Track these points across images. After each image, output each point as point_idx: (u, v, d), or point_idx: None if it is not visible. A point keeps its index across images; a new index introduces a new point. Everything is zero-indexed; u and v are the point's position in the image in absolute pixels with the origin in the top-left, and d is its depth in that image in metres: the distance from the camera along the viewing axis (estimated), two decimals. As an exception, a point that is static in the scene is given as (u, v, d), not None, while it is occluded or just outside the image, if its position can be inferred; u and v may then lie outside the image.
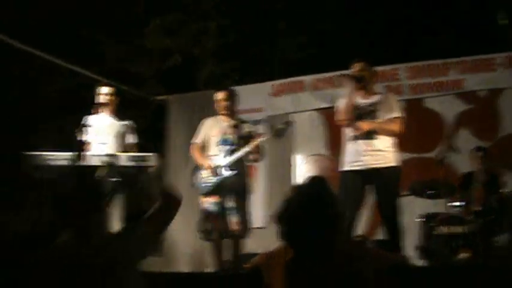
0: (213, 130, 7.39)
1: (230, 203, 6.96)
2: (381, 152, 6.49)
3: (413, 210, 8.43)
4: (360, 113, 6.61)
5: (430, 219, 7.75)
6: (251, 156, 7.31)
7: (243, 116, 7.96)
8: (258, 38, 14.41)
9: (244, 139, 7.11)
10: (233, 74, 14.01)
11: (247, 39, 14.33)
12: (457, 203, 8.01)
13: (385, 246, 6.37)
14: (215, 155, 7.21)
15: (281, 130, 7.08)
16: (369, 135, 6.50)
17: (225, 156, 7.10)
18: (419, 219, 7.95)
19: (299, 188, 3.57)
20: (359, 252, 3.36)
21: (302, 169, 9.87)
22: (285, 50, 14.71)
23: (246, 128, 7.27)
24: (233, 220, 6.84)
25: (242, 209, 6.93)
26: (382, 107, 6.64)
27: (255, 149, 7.07)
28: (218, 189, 7.07)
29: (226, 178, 7.05)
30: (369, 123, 6.53)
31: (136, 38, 13.91)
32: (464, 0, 12.44)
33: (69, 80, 12.21)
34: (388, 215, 6.51)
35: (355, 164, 6.53)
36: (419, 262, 7.58)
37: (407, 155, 8.75)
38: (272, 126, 7.25)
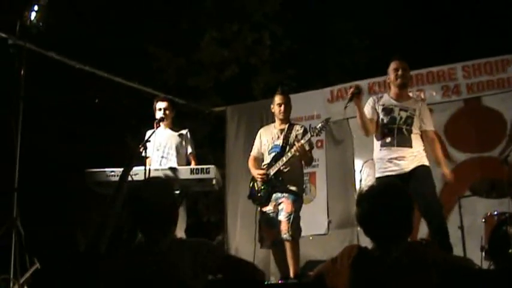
0: (265, 138, 7.42)
1: (280, 208, 6.96)
2: (414, 156, 6.45)
3: (476, 210, 8.36)
4: (394, 118, 6.54)
5: (494, 219, 7.65)
6: (302, 161, 7.28)
7: (303, 123, 7.93)
8: (313, 44, 14.42)
9: (291, 144, 7.09)
10: (290, 81, 14.04)
11: (303, 46, 14.37)
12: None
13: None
14: (268, 163, 7.23)
15: (320, 129, 7.01)
16: (404, 142, 6.46)
17: (273, 164, 7.12)
18: (483, 220, 7.86)
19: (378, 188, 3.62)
20: (424, 255, 3.37)
21: (362, 174, 9.83)
22: (341, 55, 14.70)
23: (294, 132, 7.26)
24: (283, 225, 6.84)
25: (292, 214, 6.90)
26: (419, 116, 6.60)
27: (298, 152, 6.98)
28: (270, 197, 7.09)
29: (276, 185, 7.06)
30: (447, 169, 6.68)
31: (192, 51, 14.06)
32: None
33: (130, 97, 12.41)
34: (435, 213, 6.38)
35: (389, 170, 6.47)
36: (485, 264, 7.50)
37: (468, 155, 8.69)
38: (313, 127, 7.13)
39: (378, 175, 6.60)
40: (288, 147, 7.08)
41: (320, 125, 6.99)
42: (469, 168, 8.65)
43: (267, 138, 7.38)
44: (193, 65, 14.11)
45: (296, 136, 7.13)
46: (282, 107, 7.35)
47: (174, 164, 7.29)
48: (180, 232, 7.00)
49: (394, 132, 6.47)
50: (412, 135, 6.50)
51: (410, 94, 7.08)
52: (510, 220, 7.32)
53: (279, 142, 7.23)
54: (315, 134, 7.00)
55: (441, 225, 6.34)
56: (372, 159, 8.61)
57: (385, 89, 9.62)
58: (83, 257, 4.34)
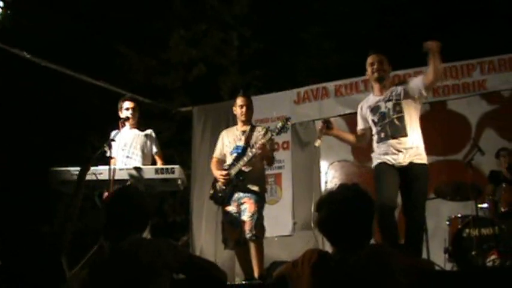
0: (227, 140, 7.40)
1: (243, 208, 6.94)
2: (411, 148, 6.10)
3: (440, 213, 8.45)
4: (382, 113, 6.26)
5: (458, 222, 7.71)
6: (264, 160, 7.27)
7: (269, 125, 7.92)
8: (280, 46, 14.44)
9: (253, 145, 7.07)
10: (257, 82, 14.05)
11: (270, 47, 14.37)
12: (486, 205, 7.98)
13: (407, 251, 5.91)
14: (229, 164, 7.21)
15: (280, 128, 7.00)
16: (398, 132, 6.14)
17: (235, 164, 7.10)
18: (447, 222, 7.92)
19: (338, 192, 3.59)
20: (391, 262, 3.37)
21: (328, 176, 9.86)
22: (308, 57, 14.73)
23: (256, 133, 7.24)
24: (247, 225, 6.82)
25: (255, 214, 6.89)
26: (406, 92, 6.23)
27: (260, 152, 6.98)
28: (231, 197, 7.07)
29: (238, 185, 7.04)
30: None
31: (161, 51, 14.02)
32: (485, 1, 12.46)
33: (95, 96, 12.33)
34: (414, 218, 6.09)
35: (386, 158, 6.16)
36: (449, 266, 7.55)
37: (433, 158, 8.70)
38: (273, 127, 7.10)
39: (374, 163, 6.33)
40: (249, 148, 7.06)
41: (280, 124, 6.97)
42: (434, 171, 8.64)
43: (229, 140, 7.36)
44: (161, 64, 14.07)
45: (258, 137, 7.11)
46: (244, 109, 7.33)
47: (139, 164, 7.23)
48: (145, 232, 6.95)
49: (386, 127, 6.22)
50: (406, 122, 6.16)
51: (394, 82, 6.70)
52: (473, 223, 7.39)
53: (241, 143, 7.21)
54: (275, 134, 6.98)
55: (417, 231, 6.12)
56: (338, 161, 8.65)
57: (351, 91, 9.68)
58: (46, 253, 4.33)
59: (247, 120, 7.39)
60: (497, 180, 8.08)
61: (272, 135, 6.97)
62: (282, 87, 11.12)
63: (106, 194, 6.63)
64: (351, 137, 6.80)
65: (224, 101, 12.29)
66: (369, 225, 3.47)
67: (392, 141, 6.11)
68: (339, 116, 9.96)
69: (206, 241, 10.02)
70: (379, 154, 6.23)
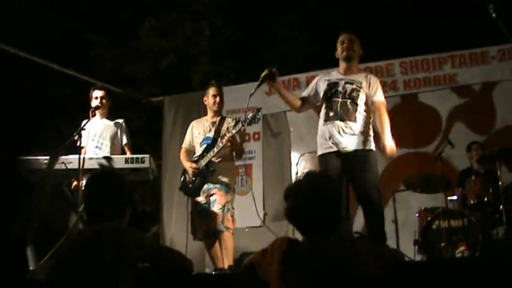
0: (197, 131, 7.38)
1: (212, 199, 6.92)
2: (358, 134, 5.97)
3: (410, 205, 8.50)
4: (338, 91, 6.09)
5: (428, 214, 7.75)
6: (233, 152, 7.25)
7: (240, 116, 7.89)
8: (252, 36, 14.39)
9: (223, 136, 7.05)
10: (228, 73, 14.02)
11: (242, 37, 14.34)
12: (455, 197, 8.04)
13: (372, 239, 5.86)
14: (199, 155, 7.19)
15: (251, 118, 6.97)
16: (347, 116, 5.98)
17: (204, 155, 7.08)
18: (417, 214, 7.96)
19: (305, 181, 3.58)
20: (359, 250, 3.37)
21: (299, 167, 9.85)
22: (281, 48, 14.72)
23: (226, 125, 7.22)
24: (218, 216, 6.80)
25: (225, 205, 6.88)
26: (367, 88, 6.15)
27: (229, 142, 6.97)
28: (201, 188, 7.05)
29: (207, 176, 7.02)
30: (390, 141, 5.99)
31: (131, 40, 13.93)
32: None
33: (65, 84, 12.23)
34: (372, 202, 5.90)
35: (330, 146, 6.02)
36: (418, 257, 7.59)
37: (404, 150, 8.77)
38: (244, 117, 7.06)
39: (319, 152, 6.19)
40: (219, 139, 7.04)
41: (251, 114, 6.94)
42: (404, 163, 8.75)
43: (199, 131, 7.34)
44: (131, 53, 13.98)
45: (228, 128, 7.09)
46: (217, 99, 7.31)
47: (108, 154, 7.18)
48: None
49: (337, 105, 6.04)
50: (357, 111, 6.04)
51: (361, 69, 6.62)
52: (443, 215, 7.44)
53: (211, 134, 7.19)
54: (246, 124, 6.96)
55: (377, 215, 5.93)
56: (309, 152, 8.60)
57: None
58: (11, 245, 4.31)
59: (219, 111, 7.37)
60: (466, 177, 8.12)
61: (243, 125, 6.94)
62: (253, 78, 11.08)
63: (75, 183, 6.59)
64: (291, 98, 6.59)
65: (195, 91, 12.22)
66: (337, 212, 3.47)
67: (339, 123, 5.99)
68: (310, 107, 9.98)
69: (176, 231, 9.99)
70: (324, 139, 6.08)
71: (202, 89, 8.35)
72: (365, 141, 5.99)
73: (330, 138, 6.01)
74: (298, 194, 3.46)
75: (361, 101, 6.08)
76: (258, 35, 14.41)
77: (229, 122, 7.23)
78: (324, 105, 6.22)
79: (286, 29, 14.70)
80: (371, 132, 6.11)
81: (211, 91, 7.36)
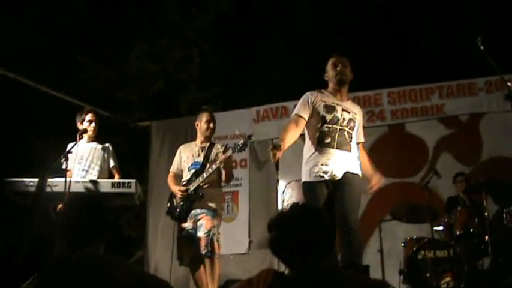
0: (185, 155, 7.37)
1: (199, 223, 6.90)
2: (350, 163, 5.76)
3: (396, 234, 8.50)
4: (337, 117, 5.80)
5: (414, 244, 7.75)
6: (222, 176, 7.24)
7: (227, 142, 7.88)
8: (241, 64, 14.45)
9: (212, 162, 7.05)
10: (216, 99, 14.04)
11: (231, 64, 14.38)
12: (441, 228, 8.05)
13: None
14: (187, 179, 7.18)
15: (242, 145, 6.97)
16: (344, 145, 5.76)
17: (193, 180, 7.07)
18: (403, 244, 7.96)
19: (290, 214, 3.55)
20: (340, 279, 3.35)
21: (285, 195, 9.85)
22: (269, 75, 14.77)
23: (215, 151, 7.22)
24: (203, 241, 6.78)
25: (211, 230, 6.86)
26: (359, 122, 5.99)
27: (219, 169, 7.00)
28: (188, 213, 7.03)
29: (195, 201, 7.00)
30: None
31: (121, 64, 13.95)
32: (444, 27, 12.63)
33: (53, 106, 12.20)
34: (348, 224, 5.50)
35: (321, 173, 5.70)
36: (404, 287, 7.58)
37: (390, 180, 8.77)
38: (235, 144, 7.06)
39: (305, 179, 5.86)
40: (208, 164, 7.04)
41: (242, 141, 6.95)
42: (390, 193, 8.74)
43: (187, 155, 7.33)
44: (121, 77, 13.99)
45: (217, 154, 7.09)
46: (211, 125, 7.32)
47: (95, 178, 7.16)
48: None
49: (335, 132, 5.76)
50: (353, 140, 5.88)
51: (350, 97, 6.29)
52: (429, 245, 7.44)
53: (200, 159, 7.19)
54: (236, 150, 6.96)
55: (352, 240, 5.48)
56: (296, 181, 8.59)
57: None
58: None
59: (210, 137, 7.38)
60: (454, 206, 8.16)
61: (233, 151, 6.94)
62: (241, 105, 11.11)
63: (60, 206, 6.55)
64: (293, 138, 5.98)
65: (183, 116, 12.23)
66: (323, 243, 3.44)
67: (335, 151, 5.72)
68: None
69: (161, 256, 9.94)
70: (315, 162, 5.76)
71: (190, 115, 8.36)
72: (356, 166, 5.82)
73: (322, 165, 5.71)
74: (281, 226, 3.44)
75: (355, 132, 5.93)
76: (246, 62, 14.45)
77: (218, 148, 7.23)
78: (318, 128, 5.84)
79: (275, 56, 14.75)
80: (359, 161, 5.95)
81: (205, 117, 7.36)
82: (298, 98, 9.96)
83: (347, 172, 5.69)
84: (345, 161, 5.74)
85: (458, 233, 7.74)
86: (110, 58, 13.82)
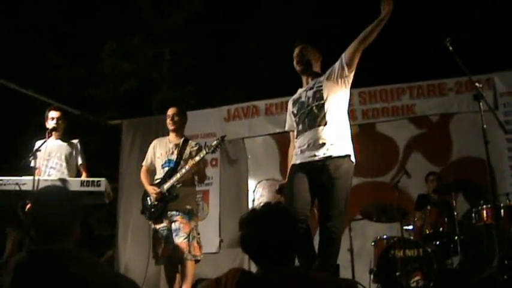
0: (158, 151, 7.33)
1: (175, 227, 6.87)
2: (328, 138, 5.37)
3: (366, 234, 8.54)
4: (303, 102, 5.61)
5: (384, 243, 7.78)
6: (195, 177, 7.21)
7: (198, 141, 7.83)
8: (213, 63, 14.42)
9: (186, 160, 7.02)
10: (188, 98, 14.01)
11: (203, 63, 14.35)
12: (411, 227, 8.09)
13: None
14: (161, 178, 7.14)
15: (215, 146, 6.95)
16: (315, 122, 5.42)
17: (167, 179, 7.03)
18: (373, 243, 7.99)
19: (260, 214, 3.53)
20: (307, 278, 3.35)
21: (256, 194, 9.85)
22: (241, 75, 14.75)
23: (188, 149, 7.19)
24: (183, 246, 6.75)
25: (190, 233, 6.84)
26: (327, 77, 5.59)
27: (193, 168, 6.96)
28: (163, 214, 6.99)
29: (170, 201, 6.97)
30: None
31: (92, 62, 13.87)
32: (415, 26, 12.69)
33: (21, 104, 12.10)
34: (327, 223, 5.26)
35: (301, 157, 5.48)
36: (373, 286, 7.61)
37: (361, 180, 8.82)
38: (207, 144, 7.04)
39: (292, 162, 5.58)
40: (182, 163, 7.00)
41: (215, 142, 6.93)
42: (361, 192, 8.75)
43: (161, 152, 7.28)
44: (91, 75, 13.91)
45: (190, 153, 7.06)
46: (175, 118, 7.27)
47: (64, 175, 7.11)
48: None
49: (304, 116, 5.53)
50: (326, 109, 5.42)
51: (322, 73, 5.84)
52: (399, 244, 7.47)
53: (173, 157, 7.15)
54: (210, 151, 6.94)
55: (328, 239, 5.24)
56: (266, 180, 8.61)
57: (282, 110, 9.68)
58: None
59: (176, 131, 7.32)
60: (425, 203, 8.22)
61: (207, 152, 6.92)
62: (213, 104, 11.09)
63: (29, 205, 6.50)
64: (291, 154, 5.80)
65: (154, 115, 12.18)
66: (291, 243, 3.43)
67: (309, 133, 5.45)
68: (269, 134, 10.00)
69: (132, 256, 9.90)
70: (296, 153, 5.56)
71: (161, 114, 8.33)
72: (339, 147, 5.37)
73: (301, 153, 5.48)
74: (251, 224, 3.44)
75: (328, 96, 5.48)
76: (218, 61, 14.43)
77: (192, 145, 7.20)
78: (294, 124, 5.75)
79: (247, 56, 14.74)
80: (347, 137, 5.54)
81: (168, 111, 7.34)
82: (270, 97, 10.05)
83: (331, 157, 5.29)
84: (322, 138, 5.35)
85: (428, 232, 7.79)
86: (81, 56, 13.73)
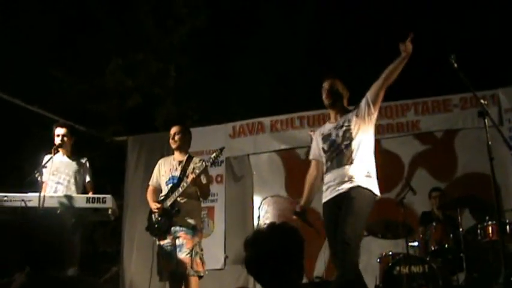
0: (163, 169, 7.35)
1: (179, 242, 6.86)
2: (353, 174, 5.66)
3: (371, 250, 8.50)
4: (334, 141, 5.83)
5: (389, 259, 7.77)
6: (198, 192, 7.19)
7: (204, 157, 7.83)
8: (217, 78, 14.43)
9: (188, 175, 7.00)
10: (192, 114, 14.01)
11: (207, 79, 14.37)
12: (416, 243, 8.07)
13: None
14: (165, 194, 7.14)
15: (214, 158, 6.95)
16: (343, 162, 5.69)
17: (170, 195, 7.03)
18: (378, 260, 7.97)
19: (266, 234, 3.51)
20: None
21: (261, 211, 9.85)
22: (245, 90, 14.76)
23: (192, 165, 7.18)
24: (186, 261, 6.75)
25: (193, 249, 6.83)
26: (355, 116, 5.83)
27: (193, 182, 6.95)
28: (167, 230, 6.98)
29: (173, 217, 6.96)
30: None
31: (96, 77, 13.88)
32: (419, 43, 12.70)
33: (28, 120, 12.12)
34: (341, 244, 5.46)
35: (328, 193, 5.79)
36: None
37: (366, 196, 8.80)
38: (207, 157, 7.05)
39: (322, 200, 5.87)
40: (184, 178, 7.00)
41: (214, 154, 6.93)
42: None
43: (165, 169, 7.29)
44: (96, 91, 13.92)
45: (194, 168, 7.05)
46: (176, 137, 7.28)
47: (70, 192, 7.11)
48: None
49: (334, 155, 5.78)
50: (353, 148, 5.71)
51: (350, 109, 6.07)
52: (404, 260, 7.46)
53: (177, 173, 7.15)
54: (209, 163, 6.94)
55: (343, 259, 5.45)
56: (272, 196, 8.60)
57: (287, 127, 9.69)
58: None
59: (181, 148, 7.33)
60: (428, 221, 8.21)
61: (206, 165, 6.92)
62: (217, 120, 11.09)
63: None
64: (311, 185, 6.22)
65: (159, 131, 12.20)
66: (297, 263, 3.42)
67: (336, 171, 5.72)
68: (274, 151, 10.00)
69: (137, 272, 9.89)
70: (324, 189, 5.85)
71: (166, 130, 8.34)
72: (360, 177, 5.68)
73: (328, 188, 5.79)
74: (256, 245, 3.43)
75: (356, 135, 5.77)
76: (222, 76, 14.44)
77: (196, 162, 7.19)
78: (324, 160, 5.99)
79: (251, 71, 14.75)
80: (372, 172, 5.88)
81: (171, 130, 7.36)
82: (274, 114, 10.06)
83: (351, 187, 5.61)
84: (347, 175, 5.65)
85: (433, 248, 7.77)
86: (85, 72, 13.74)
